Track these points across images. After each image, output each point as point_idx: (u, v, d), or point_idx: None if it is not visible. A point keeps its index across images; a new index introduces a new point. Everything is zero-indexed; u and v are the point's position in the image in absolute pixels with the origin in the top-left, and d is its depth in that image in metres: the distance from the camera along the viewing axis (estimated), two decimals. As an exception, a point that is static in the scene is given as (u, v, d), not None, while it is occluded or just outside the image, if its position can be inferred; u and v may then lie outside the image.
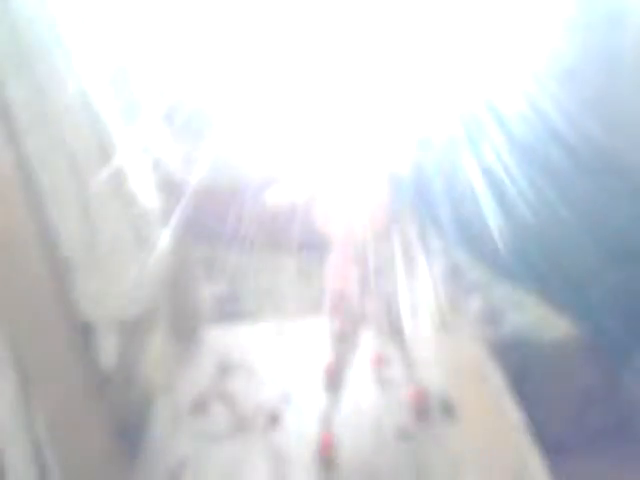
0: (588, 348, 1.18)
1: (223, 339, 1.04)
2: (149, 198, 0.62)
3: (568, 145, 1.29)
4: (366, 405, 0.92)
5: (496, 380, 0.98)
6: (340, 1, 0.85)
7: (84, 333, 0.62)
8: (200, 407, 0.90)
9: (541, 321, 1.22)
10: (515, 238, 1.30)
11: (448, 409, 0.91)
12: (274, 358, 0.99)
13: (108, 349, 0.63)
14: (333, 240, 0.77)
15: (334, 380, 0.87)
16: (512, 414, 0.91)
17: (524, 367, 1.18)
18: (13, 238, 0.55)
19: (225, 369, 0.96)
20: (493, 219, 1.34)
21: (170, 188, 0.75)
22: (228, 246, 1.40)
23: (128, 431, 0.80)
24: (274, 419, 0.89)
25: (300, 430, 0.87)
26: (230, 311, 1.26)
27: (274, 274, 1.32)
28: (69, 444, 0.65)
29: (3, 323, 0.58)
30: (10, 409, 0.61)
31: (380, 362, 0.97)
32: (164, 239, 0.64)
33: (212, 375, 0.95)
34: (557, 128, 1.26)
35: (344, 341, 0.84)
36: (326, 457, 0.83)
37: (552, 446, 0.86)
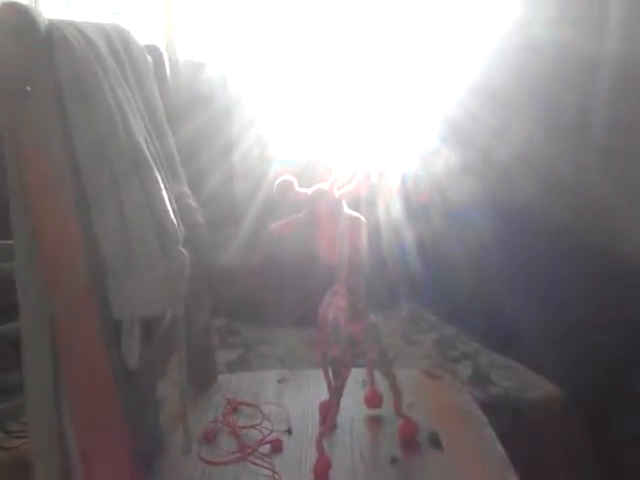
0: (569, 407, 1.26)
1: (233, 383, 1.15)
2: (174, 222, 0.79)
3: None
4: (360, 435, 1.01)
5: (481, 421, 1.06)
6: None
7: (115, 331, 0.76)
8: (209, 437, 1.00)
9: (525, 383, 1.31)
10: (495, 308, 1.43)
11: (435, 441, 0.99)
12: (277, 399, 1.10)
13: (133, 348, 0.76)
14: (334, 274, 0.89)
15: (329, 411, 0.97)
16: (495, 451, 0.98)
17: (510, 425, 1.25)
18: (63, 243, 0.71)
19: (233, 407, 1.07)
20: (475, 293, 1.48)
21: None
22: (241, 317, 1.55)
23: (142, 456, 0.90)
24: (275, 448, 0.98)
25: (299, 457, 0.96)
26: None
27: (281, 343, 1.44)
28: (91, 437, 0.76)
29: (45, 315, 0.72)
30: (43, 394, 0.73)
31: (373, 401, 1.07)
32: (184, 257, 0.80)
33: (221, 411, 1.06)
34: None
35: (338, 372, 0.95)
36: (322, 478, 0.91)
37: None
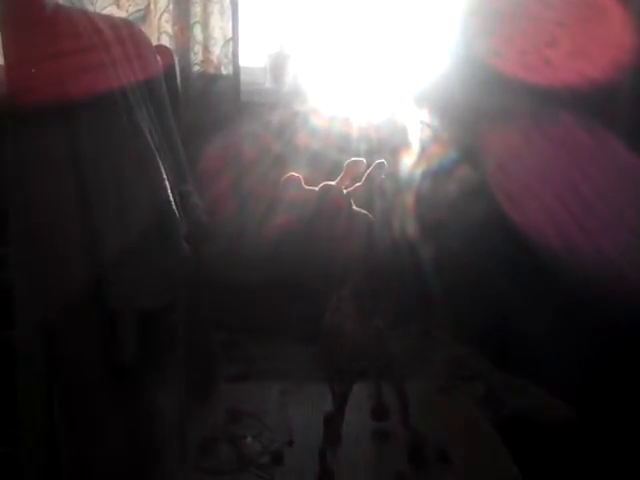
0: (583, 430, 1.20)
1: (234, 393, 1.11)
2: (176, 214, 0.76)
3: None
4: (365, 449, 0.96)
5: (494, 439, 1.01)
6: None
7: (112, 321, 0.73)
8: (210, 446, 0.96)
9: (539, 404, 1.26)
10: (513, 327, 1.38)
11: (443, 455, 0.95)
12: (279, 410, 1.06)
13: (130, 339, 0.73)
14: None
15: (334, 420, 0.93)
16: (508, 469, 0.94)
17: (524, 446, 1.19)
18: (64, 237, 0.69)
19: (235, 417, 1.03)
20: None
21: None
22: (244, 332, 1.52)
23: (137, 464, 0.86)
24: (277, 458, 0.93)
25: (301, 469, 0.91)
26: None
27: (284, 359, 1.39)
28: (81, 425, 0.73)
29: (41, 304, 0.69)
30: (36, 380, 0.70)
31: (380, 414, 1.02)
32: (182, 250, 0.77)
33: (223, 421, 1.02)
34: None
35: (343, 377, 0.91)
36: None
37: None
